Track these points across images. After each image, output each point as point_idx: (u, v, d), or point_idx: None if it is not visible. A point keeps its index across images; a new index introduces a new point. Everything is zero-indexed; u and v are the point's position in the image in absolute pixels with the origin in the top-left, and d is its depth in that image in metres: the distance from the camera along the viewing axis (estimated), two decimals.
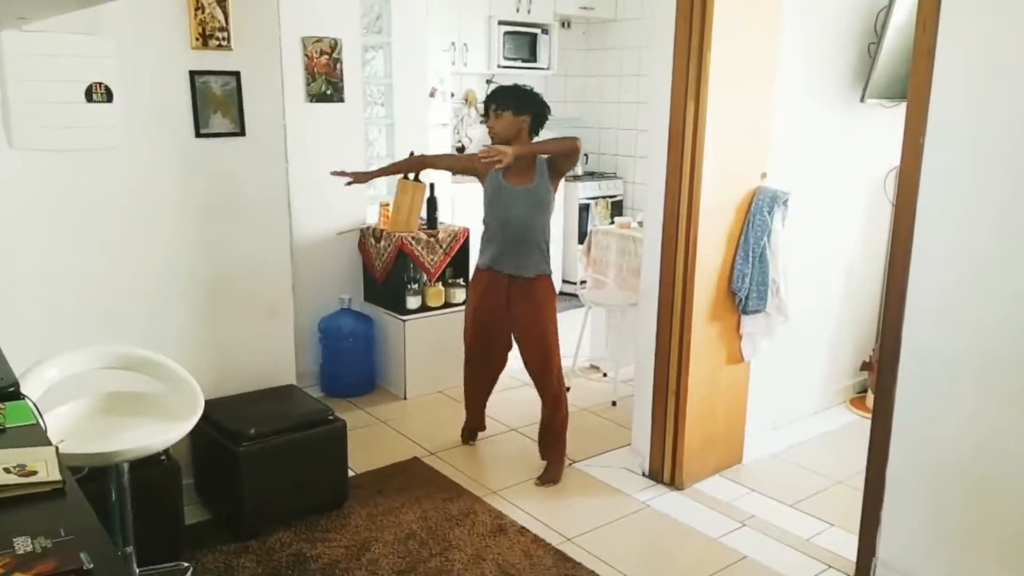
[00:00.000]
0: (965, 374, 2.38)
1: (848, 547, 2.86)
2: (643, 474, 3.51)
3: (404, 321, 4.32)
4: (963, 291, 2.36)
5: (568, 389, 4.46)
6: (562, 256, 6.55)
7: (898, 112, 3.08)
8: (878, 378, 2.64)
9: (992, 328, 2.32)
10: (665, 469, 3.44)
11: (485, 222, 3.45)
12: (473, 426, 3.84)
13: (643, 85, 6.51)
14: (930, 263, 2.43)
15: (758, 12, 3.19)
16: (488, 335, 3.56)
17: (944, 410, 2.45)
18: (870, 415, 2.76)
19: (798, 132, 3.61)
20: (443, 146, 5.49)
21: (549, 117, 3.41)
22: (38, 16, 2.01)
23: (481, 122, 3.37)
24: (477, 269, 3.53)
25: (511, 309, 3.43)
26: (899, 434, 2.57)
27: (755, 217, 3.30)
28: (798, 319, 3.58)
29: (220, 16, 3.00)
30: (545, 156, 3.34)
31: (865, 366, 4.37)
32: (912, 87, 2.41)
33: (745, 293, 3.34)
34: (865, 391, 4.38)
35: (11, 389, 1.72)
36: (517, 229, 3.34)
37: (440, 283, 4.45)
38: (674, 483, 3.42)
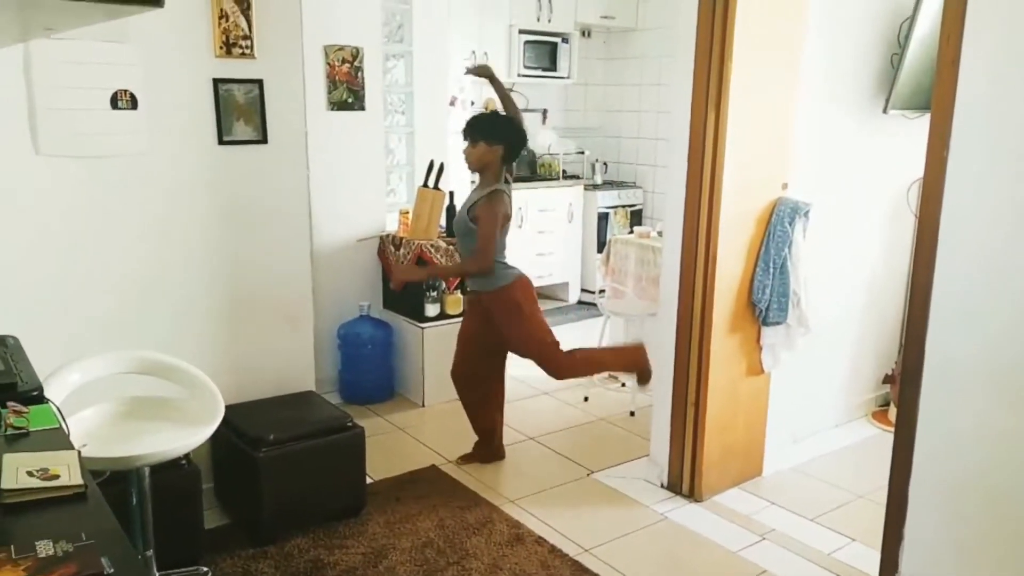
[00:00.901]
0: (990, 388, 2.35)
1: (870, 562, 2.83)
2: (661, 485, 3.49)
3: (423, 329, 4.33)
4: (988, 304, 2.33)
5: (586, 399, 4.49)
6: (581, 265, 6.54)
7: (921, 123, 3.05)
8: (901, 391, 2.61)
9: (1019, 342, 2.28)
10: (684, 481, 3.42)
11: None
12: (487, 450, 3.76)
13: (663, 94, 6.50)
14: (954, 275, 2.40)
15: (780, 22, 3.18)
16: (468, 353, 3.64)
17: (969, 424, 2.41)
18: (892, 429, 2.72)
19: (820, 143, 3.59)
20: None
21: (526, 146, 3.53)
22: (65, 27, 2.03)
23: (467, 143, 3.42)
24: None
25: (488, 323, 3.53)
26: (922, 448, 2.53)
27: (776, 228, 3.28)
28: (819, 331, 3.55)
29: (244, 25, 3.03)
30: (489, 195, 3.37)
31: (887, 379, 4.32)
32: (936, 98, 2.39)
33: (765, 304, 3.32)
34: (887, 404, 4.32)
35: (35, 393, 1.73)
36: (457, 248, 3.65)
37: (459, 291, 4.45)
38: (693, 495, 3.39)
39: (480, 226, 3.34)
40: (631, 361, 3.77)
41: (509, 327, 3.49)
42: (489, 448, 3.74)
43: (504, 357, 3.67)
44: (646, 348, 3.73)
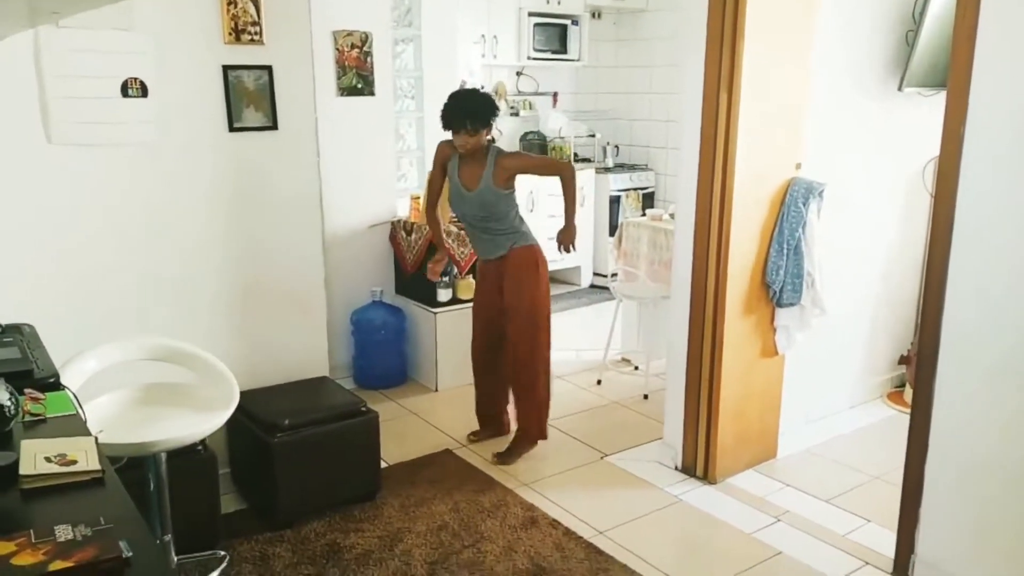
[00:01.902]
0: (1007, 368, 2.33)
1: (886, 544, 2.82)
2: (675, 468, 3.49)
3: (435, 313, 4.33)
4: (1004, 283, 2.31)
5: (599, 382, 4.49)
6: (593, 248, 6.52)
7: (937, 101, 3.02)
8: (917, 372, 2.59)
9: None
10: (698, 463, 3.41)
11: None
12: (489, 431, 3.78)
13: (675, 76, 6.44)
14: (970, 254, 2.37)
15: (792, 0, 3.14)
16: (490, 328, 3.61)
17: (985, 404, 2.40)
18: (908, 410, 2.71)
19: (834, 122, 3.55)
20: None
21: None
22: (71, 10, 2.03)
23: (466, 132, 3.32)
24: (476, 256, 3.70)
25: (499, 288, 3.52)
26: (938, 429, 2.52)
27: (790, 208, 3.26)
28: (834, 312, 3.53)
29: (252, 11, 3.02)
30: (498, 158, 3.36)
31: (903, 360, 4.30)
32: (952, 75, 2.36)
33: (779, 286, 3.30)
34: (903, 385, 4.30)
35: (52, 380, 1.75)
36: (475, 225, 3.52)
37: (471, 275, 4.45)
38: (707, 477, 3.39)
39: (524, 160, 3.42)
40: (534, 423, 3.61)
41: (524, 285, 3.44)
42: (497, 425, 3.78)
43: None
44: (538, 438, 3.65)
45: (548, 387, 3.62)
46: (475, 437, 3.77)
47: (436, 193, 3.66)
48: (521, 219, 3.51)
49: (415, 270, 4.45)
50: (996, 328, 2.34)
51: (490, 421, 3.79)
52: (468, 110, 3.30)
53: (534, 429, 3.61)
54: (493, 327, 3.62)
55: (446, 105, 3.35)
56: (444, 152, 3.50)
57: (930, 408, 2.52)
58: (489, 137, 3.43)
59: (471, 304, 4.00)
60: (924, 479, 2.57)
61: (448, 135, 3.38)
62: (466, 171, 3.42)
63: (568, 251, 3.60)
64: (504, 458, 3.56)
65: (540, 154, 6.51)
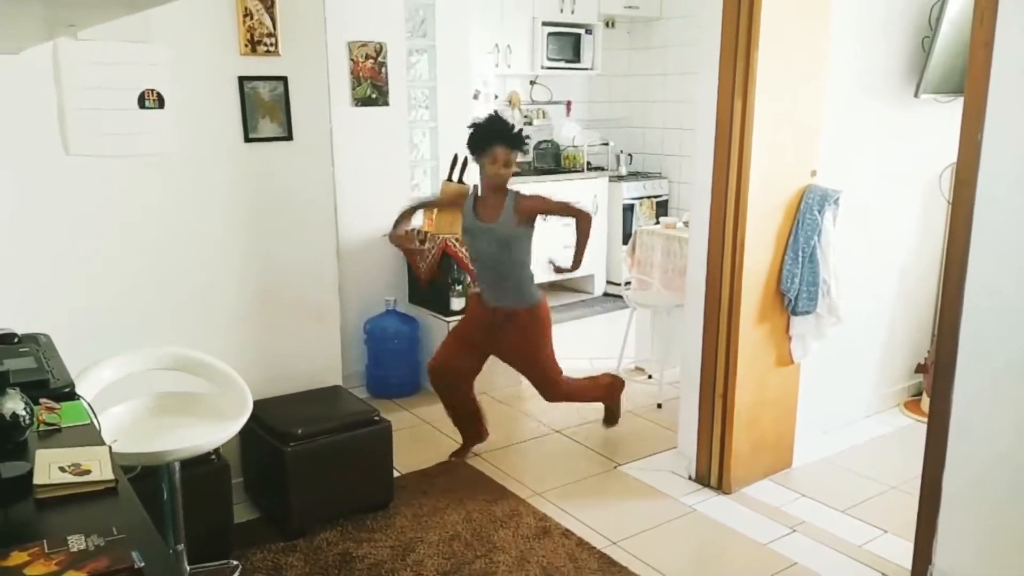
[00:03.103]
0: None
1: (903, 554, 2.79)
2: (690, 478, 3.47)
3: (448, 322, 4.33)
4: (1022, 291, 2.28)
5: None
6: (606, 257, 6.51)
7: (954, 107, 3.00)
8: (934, 381, 2.56)
9: None
10: (712, 473, 3.39)
11: (473, 262, 3.55)
12: (472, 442, 3.74)
13: (688, 84, 6.43)
14: (988, 262, 2.35)
15: (807, 6, 3.12)
16: (462, 358, 3.55)
17: (1004, 414, 2.36)
18: (925, 419, 2.68)
19: (849, 129, 3.53)
20: None
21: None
22: (87, 22, 2.06)
23: (476, 160, 3.33)
24: (475, 292, 3.63)
25: (492, 336, 3.47)
26: (956, 439, 2.49)
27: (805, 216, 3.24)
28: (850, 320, 3.50)
29: (268, 22, 3.04)
30: (517, 197, 3.35)
31: (920, 368, 4.25)
32: (969, 81, 2.34)
33: (795, 294, 3.28)
34: (920, 394, 4.26)
35: (67, 390, 1.76)
36: (488, 264, 3.40)
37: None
38: (721, 487, 3.37)
39: (544, 202, 3.41)
40: (607, 393, 3.76)
41: (532, 345, 3.46)
42: (476, 435, 3.73)
43: (483, 363, 3.64)
44: (622, 384, 3.78)
45: (573, 384, 3.65)
46: (457, 457, 3.68)
47: (432, 206, 3.85)
48: (531, 272, 3.46)
49: (428, 282, 4.45)
50: (1015, 336, 2.31)
51: (470, 430, 3.72)
52: (503, 132, 3.29)
53: (607, 398, 3.77)
54: (466, 359, 3.55)
55: (479, 128, 3.31)
56: (456, 190, 3.52)
57: (947, 417, 2.49)
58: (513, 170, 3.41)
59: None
60: (941, 489, 2.54)
61: (445, 171, 3.45)
62: (484, 207, 3.37)
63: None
64: (609, 421, 3.80)
65: (554, 164, 6.53)
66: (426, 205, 3.93)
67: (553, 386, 3.55)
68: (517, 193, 3.36)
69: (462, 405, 3.66)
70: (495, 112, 3.52)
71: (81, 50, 2.69)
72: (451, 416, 3.70)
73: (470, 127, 3.35)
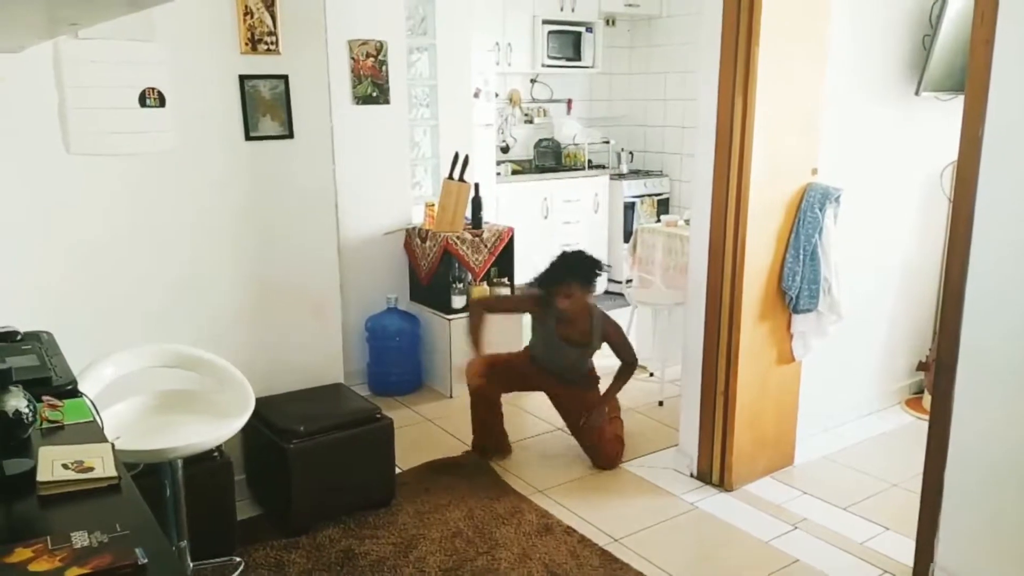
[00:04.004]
0: None
1: (904, 552, 2.79)
2: (691, 475, 3.47)
3: (450, 320, 4.34)
4: (1023, 289, 2.28)
5: None
6: (607, 255, 6.50)
7: (954, 105, 2.99)
8: (935, 379, 2.57)
9: None
10: (714, 470, 3.39)
11: (533, 343, 3.69)
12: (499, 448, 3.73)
13: (689, 82, 6.43)
14: (989, 260, 2.35)
15: (808, 4, 3.12)
16: (515, 380, 3.67)
17: (1005, 411, 2.36)
18: (927, 417, 2.68)
19: (850, 127, 3.53)
20: (487, 145, 5.48)
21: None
22: (89, 22, 2.06)
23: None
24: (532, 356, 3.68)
25: (554, 388, 3.66)
26: (958, 436, 2.49)
27: (806, 214, 3.24)
28: (851, 318, 3.50)
29: (268, 21, 3.04)
30: (604, 323, 3.56)
31: (921, 366, 4.25)
32: (970, 79, 2.34)
33: (796, 292, 3.28)
34: (921, 392, 4.26)
35: (69, 387, 1.77)
36: (552, 371, 3.62)
37: (485, 282, 4.46)
38: (723, 484, 3.37)
39: (621, 336, 3.58)
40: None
41: (587, 399, 3.63)
42: (499, 445, 3.74)
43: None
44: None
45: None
46: (480, 454, 3.68)
47: (501, 304, 3.95)
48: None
49: (429, 281, 4.46)
50: (1017, 333, 2.31)
51: (493, 445, 3.71)
52: (577, 269, 3.43)
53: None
54: (517, 382, 3.71)
55: (554, 264, 3.47)
56: (536, 303, 3.55)
57: (949, 415, 2.50)
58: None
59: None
60: (943, 486, 2.54)
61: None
62: (568, 328, 3.51)
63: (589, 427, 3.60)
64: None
65: (555, 163, 6.55)
66: (500, 309, 3.99)
67: (607, 440, 3.62)
68: (604, 317, 3.54)
69: (493, 420, 3.69)
70: (579, 251, 3.58)
71: (82, 48, 2.69)
72: (479, 433, 3.69)
73: (550, 265, 3.49)
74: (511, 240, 4.50)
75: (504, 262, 4.53)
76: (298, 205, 3.25)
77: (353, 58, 4.28)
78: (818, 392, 3.64)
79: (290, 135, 3.17)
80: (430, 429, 4.02)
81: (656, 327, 4.67)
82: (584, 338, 3.53)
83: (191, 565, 2.55)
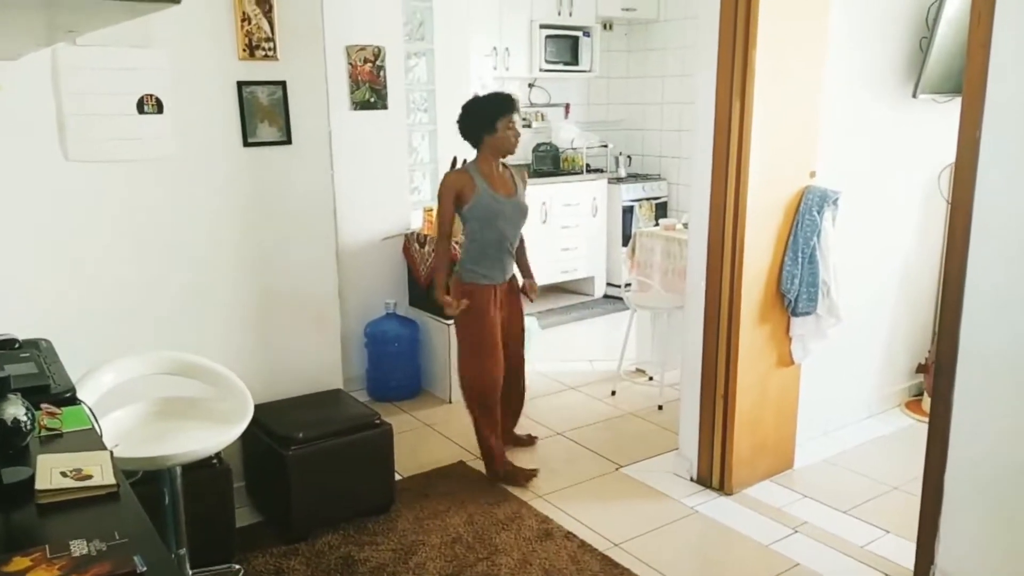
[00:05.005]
0: None
1: (905, 555, 2.79)
2: (691, 479, 3.47)
3: (448, 325, 4.33)
4: (1022, 291, 2.28)
5: (613, 393, 4.47)
6: (606, 259, 6.52)
7: (952, 107, 2.99)
8: (935, 381, 2.56)
9: None
10: (713, 474, 3.39)
11: (476, 239, 3.36)
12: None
13: (687, 85, 6.44)
14: (988, 262, 2.35)
15: (805, 7, 3.13)
16: (502, 351, 3.50)
17: (1005, 413, 2.36)
18: (926, 419, 2.68)
19: (848, 129, 3.53)
20: None
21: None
22: (87, 28, 2.05)
23: (524, 124, 3.38)
24: (476, 285, 3.37)
25: (506, 315, 3.54)
26: (957, 438, 2.49)
27: (804, 217, 3.24)
28: (850, 321, 3.50)
29: (266, 27, 3.04)
30: (517, 170, 3.49)
31: (921, 368, 4.25)
32: (967, 81, 2.34)
33: (795, 295, 3.28)
34: (921, 394, 4.26)
35: (68, 395, 1.76)
36: (508, 239, 3.41)
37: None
38: (723, 488, 3.36)
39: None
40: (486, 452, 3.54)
41: (522, 310, 3.62)
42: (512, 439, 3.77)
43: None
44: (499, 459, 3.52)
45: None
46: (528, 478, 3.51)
47: (450, 224, 3.43)
48: None
49: (428, 284, 4.45)
50: (1016, 335, 2.31)
51: (510, 439, 3.72)
52: (511, 99, 3.33)
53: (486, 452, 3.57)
54: (504, 351, 3.50)
55: (486, 99, 3.33)
56: (458, 180, 3.31)
57: (948, 417, 2.49)
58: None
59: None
60: (943, 489, 2.54)
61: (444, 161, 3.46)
62: (499, 182, 3.37)
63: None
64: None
65: (553, 167, 6.57)
66: (447, 221, 3.54)
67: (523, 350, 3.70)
68: (506, 164, 3.45)
69: (498, 429, 3.55)
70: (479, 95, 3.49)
71: (80, 55, 2.69)
72: (495, 432, 3.51)
73: (471, 105, 3.35)
74: None
75: None
76: (296, 210, 3.24)
77: (351, 63, 4.28)
78: (818, 395, 3.64)
79: (288, 141, 3.17)
80: (430, 435, 4.01)
81: (655, 331, 4.67)
82: (514, 189, 3.40)
83: (190, 573, 2.54)
